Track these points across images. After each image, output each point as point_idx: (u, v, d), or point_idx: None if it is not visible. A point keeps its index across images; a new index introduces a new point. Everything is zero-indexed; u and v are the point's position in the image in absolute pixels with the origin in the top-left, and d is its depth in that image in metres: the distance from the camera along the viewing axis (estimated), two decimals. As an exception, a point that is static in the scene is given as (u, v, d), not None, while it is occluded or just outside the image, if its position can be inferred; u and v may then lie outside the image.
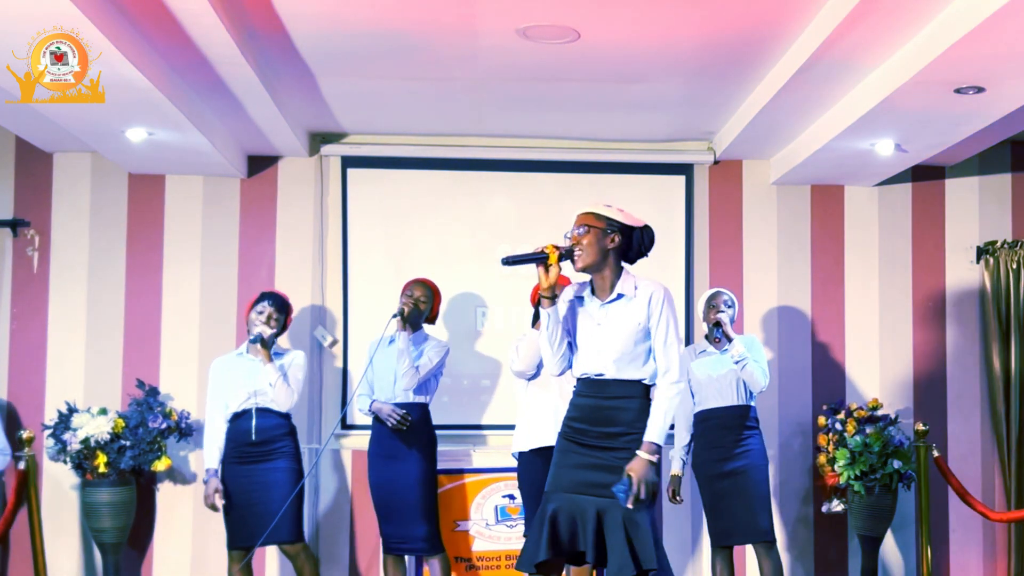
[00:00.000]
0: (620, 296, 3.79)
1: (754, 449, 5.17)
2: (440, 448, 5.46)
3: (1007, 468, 6.37)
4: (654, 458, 3.64)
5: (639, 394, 3.73)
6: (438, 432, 5.40)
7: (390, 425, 5.14)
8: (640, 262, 3.93)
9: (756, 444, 5.18)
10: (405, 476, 5.16)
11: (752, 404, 5.22)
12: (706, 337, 5.33)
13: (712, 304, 5.27)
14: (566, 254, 3.74)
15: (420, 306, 5.28)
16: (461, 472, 5.88)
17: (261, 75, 4.88)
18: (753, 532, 5.13)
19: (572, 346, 3.83)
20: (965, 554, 6.44)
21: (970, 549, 6.44)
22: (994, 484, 6.45)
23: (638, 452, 3.63)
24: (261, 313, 5.09)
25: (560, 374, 3.89)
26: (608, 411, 3.72)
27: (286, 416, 5.11)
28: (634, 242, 3.85)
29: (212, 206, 6.31)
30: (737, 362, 5.09)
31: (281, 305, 5.18)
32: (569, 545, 3.66)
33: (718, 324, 5.20)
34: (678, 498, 5.32)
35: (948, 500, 6.30)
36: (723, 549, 5.27)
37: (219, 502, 5.00)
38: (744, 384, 5.16)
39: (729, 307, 5.26)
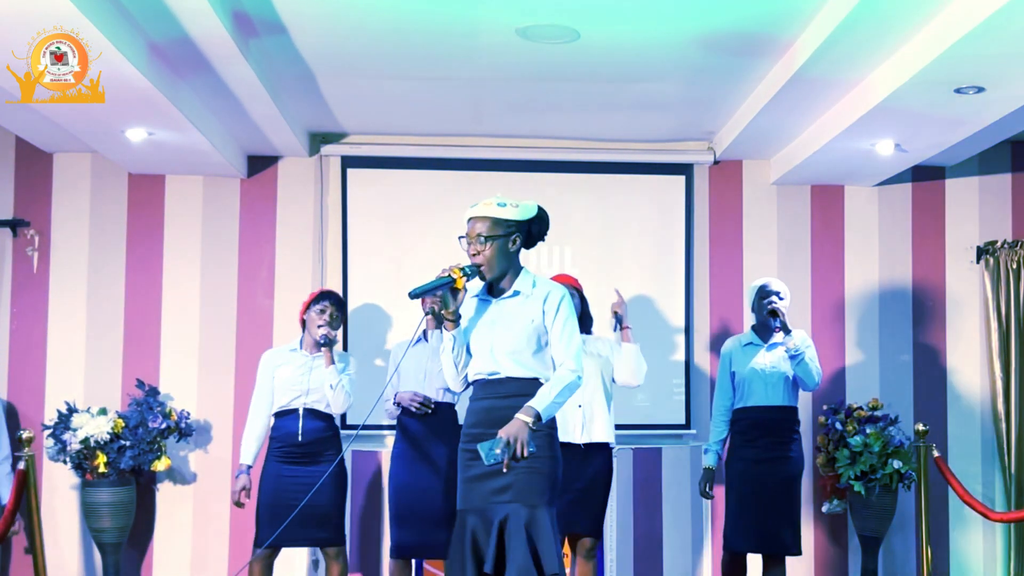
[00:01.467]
0: (516, 293, 3.64)
1: (795, 456, 4.92)
2: None
3: (1007, 468, 6.36)
4: (530, 421, 3.42)
5: (534, 391, 3.53)
6: None
7: (413, 410, 5.00)
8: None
9: (797, 451, 4.94)
10: (434, 481, 5.01)
11: (796, 406, 4.98)
12: (753, 328, 5.06)
13: (763, 295, 4.98)
14: (472, 272, 3.59)
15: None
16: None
17: (261, 75, 4.88)
18: (782, 543, 4.91)
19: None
20: (965, 554, 6.44)
21: (970, 549, 6.44)
22: (994, 484, 6.45)
23: (516, 415, 3.44)
24: (324, 312, 4.95)
25: (462, 391, 3.79)
26: (505, 411, 3.50)
27: (332, 418, 5.01)
28: (532, 232, 3.67)
29: (212, 206, 6.31)
30: (793, 356, 4.81)
31: (340, 303, 5.08)
32: (483, 564, 3.51)
33: (775, 313, 4.87)
34: (710, 493, 5.13)
35: (948, 500, 6.30)
36: (738, 554, 5.06)
37: (244, 500, 4.92)
38: (791, 384, 4.93)
39: (782, 298, 4.97)
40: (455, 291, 3.60)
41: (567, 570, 4.98)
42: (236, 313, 6.25)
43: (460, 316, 3.64)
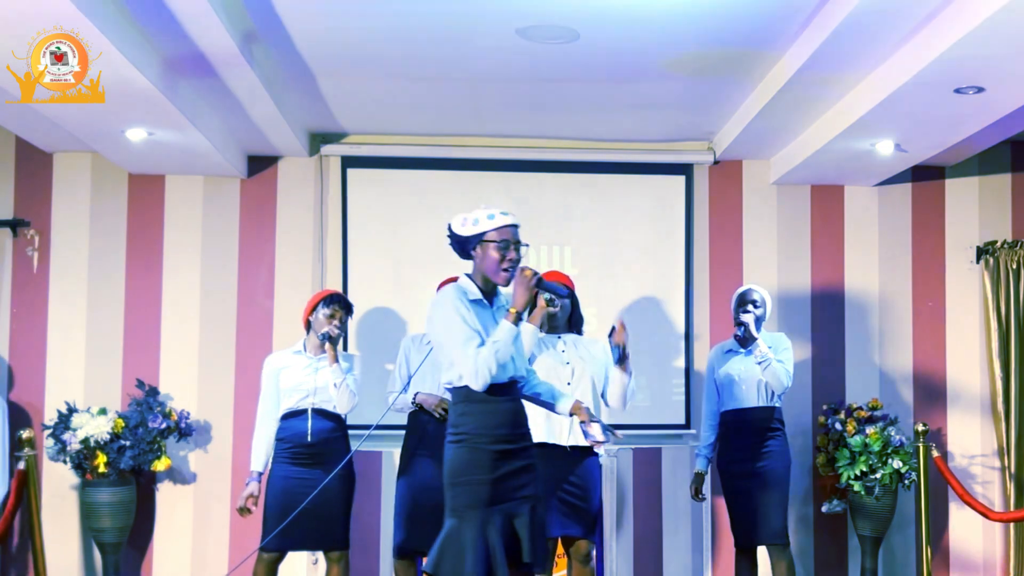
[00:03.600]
0: (508, 302, 3.81)
1: (775, 451, 5.11)
2: None
3: (1007, 468, 6.37)
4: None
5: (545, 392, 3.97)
6: None
7: (437, 416, 4.97)
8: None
9: (777, 446, 5.12)
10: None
11: (776, 405, 5.15)
12: (734, 335, 5.24)
13: (741, 302, 5.18)
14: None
15: None
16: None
17: (261, 75, 4.88)
18: (767, 533, 5.08)
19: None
20: (965, 554, 6.44)
21: (970, 549, 6.44)
22: (994, 484, 6.45)
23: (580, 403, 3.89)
24: (332, 316, 4.94)
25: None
26: (522, 412, 3.79)
27: (340, 419, 4.99)
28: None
29: (212, 206, 6.31)
30: (760, 363, 5.04)
31: (348, 308, 5.06)
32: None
33: (741, 324, 5.12)
34: (700, 496, 5.32)
35: (948, 500, 6.30)
36: (746, 550, 5.22)
37: (252, 508, 4.88)
38: (766, 386, 5.09)
39: (758, 306, 5.15)
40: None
41: (563, 573, 5.00)
42: (236, 313, 6.25)
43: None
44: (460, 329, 3.62)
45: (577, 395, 4.54)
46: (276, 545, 4.84)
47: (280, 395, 4.96)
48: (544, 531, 3.81)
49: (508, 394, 3.71)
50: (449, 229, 3.75)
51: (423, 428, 5.08)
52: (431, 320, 3.72)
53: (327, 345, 4.90)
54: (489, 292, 3.77)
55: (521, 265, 3.69)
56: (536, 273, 3.69)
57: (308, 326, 5.02)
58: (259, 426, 4.98)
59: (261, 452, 4.94)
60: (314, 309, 4.99)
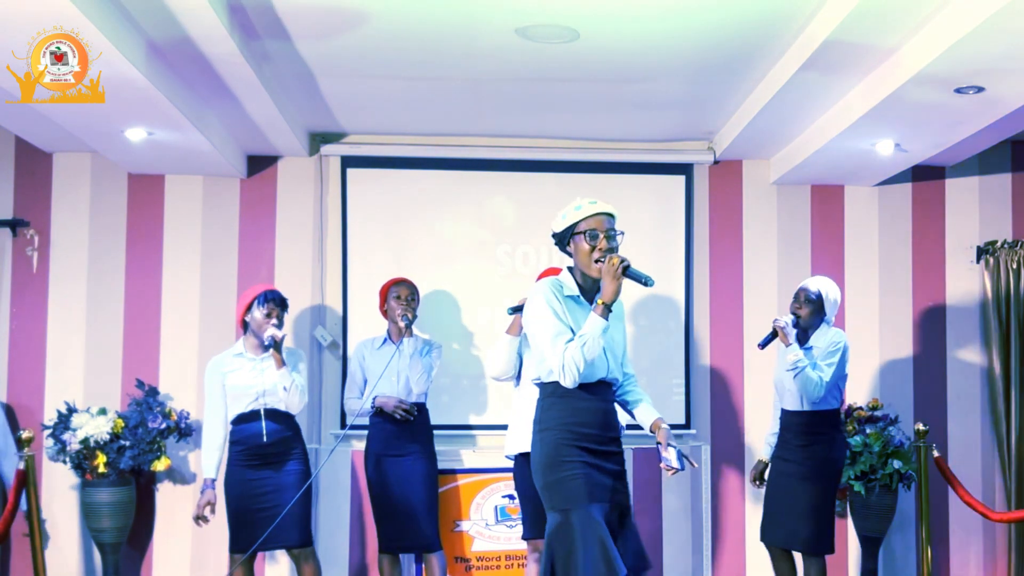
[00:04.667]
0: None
1: (814, 458, 4.96)
2: (441, 447, 5.49)
3: (1007, 468, 6.37)
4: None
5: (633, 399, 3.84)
6: (439, 432, 5.43)
7: (398, 417, 5.15)
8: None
9: (818, 453, 4.96)
10: (411, 474, 5.20)
11: (816, 410, 4.95)
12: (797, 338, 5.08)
13: (794, 298, 5.06)
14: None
15: (415, 307, 5.33)
16: (463, 472, 5.88)
17: (261, 75, 4.88)
18: (778, 535, 5.07)
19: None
20: (965, 554, 6.44)
21: (970, 549, 6.44)
22: (994, 484, 6.45)
23: (662, 423, 3.71)
24: (269, 315, 4.91)
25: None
26: (615, 416, 3.71)
27: (292, 417, 5.01)
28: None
29: (212, 206, 6.31)
30: (789, 370, 4.87)
31: (283, 302, 5.03)
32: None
33: (774, 330, 4.96)
34: (757, 482, 5.34)
35: (948, 500, 6.30)
36: (783, 551, 5.18)
37: (210, 516, 4.89)
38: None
39: (811, 300, 4.96)
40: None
41: None
42: (236, 313, 6.25)
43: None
44: (551, 324, 3.53)
45: None
46: (240, 547, 4.89)
47: (227, 399, 4.94)
48: (638, 538, 3.69)
49: (595, 394, 3.61)
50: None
51: (381, 429, 5.24)
52: (525, 314, 3.68)
53: (272, 350, 4.87)
54: (589, 288, 3.67)
55: (610, 254, 3.56)
56: (624, 260, 3.53)
57: (245, 326, 4.98)
58: (208, 432, 4.95)
59: (214, 459, 4.91)
60: (249, 308, 4.95)
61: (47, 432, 5.84)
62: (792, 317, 4.97)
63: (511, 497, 5.78)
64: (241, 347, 5.03)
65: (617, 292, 3.54)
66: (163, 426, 5.84)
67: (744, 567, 6.34)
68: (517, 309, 4.64)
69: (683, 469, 3.63)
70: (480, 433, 6.26)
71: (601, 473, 3.58)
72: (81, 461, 5.75)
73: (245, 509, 4.86)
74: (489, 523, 5.83)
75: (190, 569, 6.17)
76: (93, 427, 5.70)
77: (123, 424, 5.77)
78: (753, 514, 6.33)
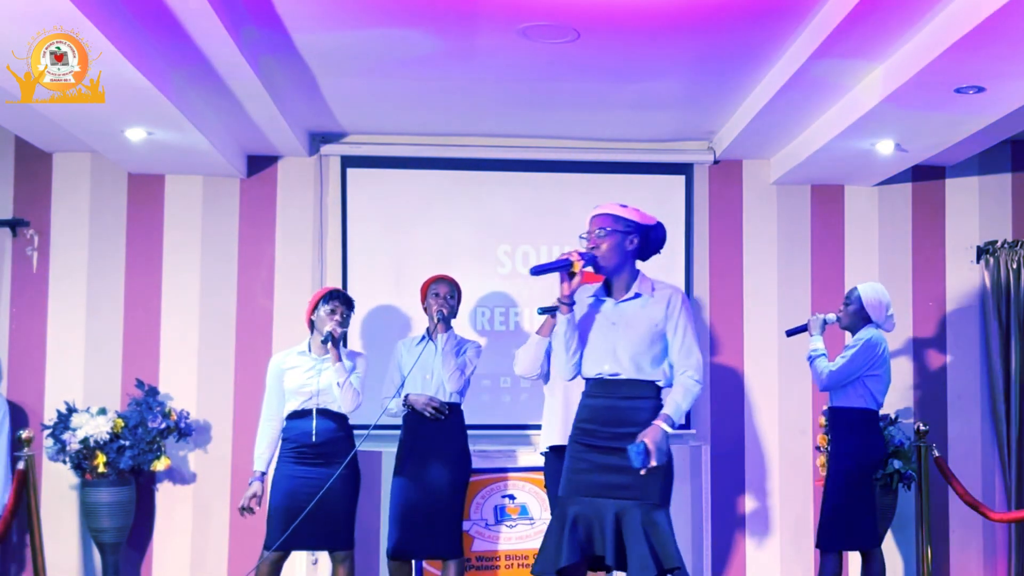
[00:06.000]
0: (637, 295, 3.75)
1: (835, 454, 5.15)
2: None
3: (1007, 468, 6.36)
4: (668, 429, 3.60)
5: (653, 395, 3.72)
6: None
7: (427, 415, 5.00)
8: (640, 261, 3.91)
9: (839, 449, 5.12)
10: (436, 477, 5.01)
11: (837, 406, 5.13)
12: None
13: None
14: (589, 260, 3.72)
15: (454, 305, 5.19)
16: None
17: (261, 75, 4.88)
18: (819, 534, 5.23)
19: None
20: (965, 554, 6.44)
21: (970, 549, 6.44)
22: (994, 484, 6.45)
23: (653, 421, 3.60)
24: (334, 312, 4.90)
25: (572, 379, 3.84)
26: (622, 411, 3.67)
27: (345, 418, 4.95)
28: (650, 240, 3.82)
29: (212, 206, 6.31)
30: (809, 356, 5.17)
31: (349, 303, 5.02)
32: (588, 549, 3.62)
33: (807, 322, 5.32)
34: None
35: (948, 500, 6.30)
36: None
37: (256, 508, 4.86)
38: (842, 387, 5.12)
39: (850, 302, 5.24)
40: (572, 275, 3.70)
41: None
42: (236, 313, 6.25)
43: (574, 302, 3.73)
44: None
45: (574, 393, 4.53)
46: (282, 545, 4.81)
47: (284, 395, 4.94)
48: (640, 538, 3.61)
49: (599, 391, 3.72)
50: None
51: (414, 429, 5.09)
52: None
53: (329, 345, 4.87)
54: (609, 284, 3.88)
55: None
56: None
57: (311, 325, 5.00)
58: (262, 426, 4.97)
59: (264, 452, 4.93)
60: (315, 307, 4.97)
61: (47, 432, 5.84)
62: (835, 316, 5.30)
63: (511, 497, 5.78)
64: (306, 345, 5.03)
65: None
66: (163, 426, 5.84)
67: (744, 567, 6.34)
68: (548, 310, 4.61)
69: (637, 467, 3.53)
70: (480, 433, 6.25)
71: (593, 468, 3.65)
72: (81, 461, 5.75)
73: (290, 506, 4.78)
74: (489, 523, 5.83)
75: (190, 569, 6.17)
76: (93, 427, 5.70)
77: (123, 424, 5.77)
78: (753, 514, 6.34)
